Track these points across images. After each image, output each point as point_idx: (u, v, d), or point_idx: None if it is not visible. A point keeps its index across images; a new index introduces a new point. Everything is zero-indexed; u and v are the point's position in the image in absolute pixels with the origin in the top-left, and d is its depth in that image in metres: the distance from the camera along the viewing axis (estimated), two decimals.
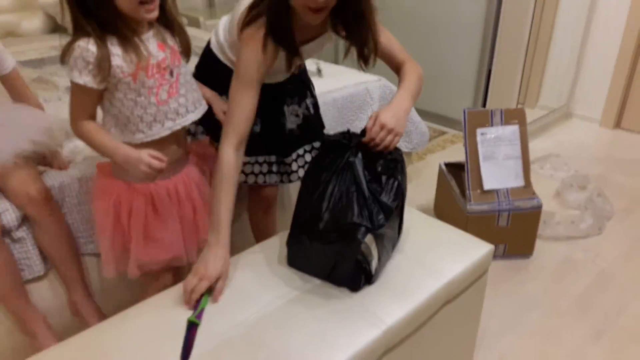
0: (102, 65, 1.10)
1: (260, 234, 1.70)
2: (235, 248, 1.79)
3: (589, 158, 2.91)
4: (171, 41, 1.22)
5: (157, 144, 1.22)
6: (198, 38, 2.87)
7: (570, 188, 2.47)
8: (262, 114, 1.39)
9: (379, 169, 1.17)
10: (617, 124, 3.33)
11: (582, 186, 2.52)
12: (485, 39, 3.01)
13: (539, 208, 1.95)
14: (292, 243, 1.20)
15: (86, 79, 1.10)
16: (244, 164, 1.49)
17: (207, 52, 1.48)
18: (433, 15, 3.17)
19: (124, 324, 1.08)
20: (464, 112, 1.99)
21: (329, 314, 1.10)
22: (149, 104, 1.18)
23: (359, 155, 1.16)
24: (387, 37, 1.33)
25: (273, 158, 1.53)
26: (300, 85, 1.55)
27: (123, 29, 1.11)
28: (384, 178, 1.16)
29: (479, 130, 1.99)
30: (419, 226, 1.39)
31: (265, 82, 1.42)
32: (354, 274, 1.15)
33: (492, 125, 2.00)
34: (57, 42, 2.74)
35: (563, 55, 3.35)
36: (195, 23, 3.46)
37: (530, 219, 1.97)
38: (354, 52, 1.26)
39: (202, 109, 1.30)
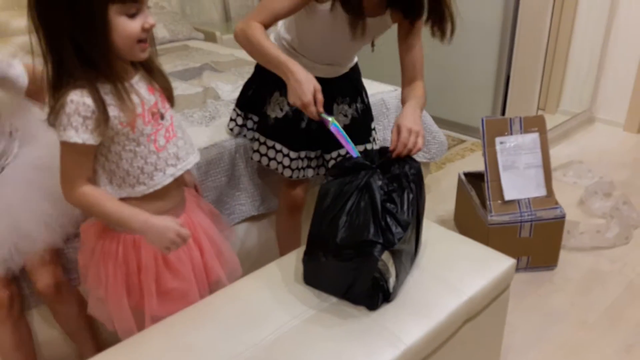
0: (101, 119, 0.99)
1: (284, 239, 1.70)
2: (258, 249, 1.80)
3: (613, 163, 2.83)
4: (156, 85, 1.13)
5: (160, 192, 1.14)
6: (214, 53, 2.90)
7: (595, 195, 2.41)
8: None
9: (393, 185, 1.15)
10: None
11: (607, 193, 2.45)
12: (502, 43, 2.97)
13: (562, 218, 1.90)
14: (308, 260, 1.18)
15: (84, 137, 0.98)
16: (291, 159, 1.53)
17: None
18: None
19: (137, 347, 1.07)
20: (482, 121, 1.96)
21: (347, 333, 1.07)
22: (148, 152, 1.09)
23: (376, 174, 1.14)
24: (419, 48, 1.40)
25: (312, 154, 1.57)
26: (353, 87, 1.58)
27: (115, 74, 1.01)
28: (396, 194, 1.14)
29: (498, 139, 1.95)
30: (438, 240, 1.36)
31: (319, 76, 1.45)
32: (371, 292, 1.13)
33: (511, 134, 1.96)
34: None
35: (584, 58, 3.28)
36: (212, 38, 3.49)
37: (553, 230, 1.92)
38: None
39: (197, 152, 1.23)
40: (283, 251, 1.67)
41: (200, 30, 3.48)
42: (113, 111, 1.01)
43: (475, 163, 2.73)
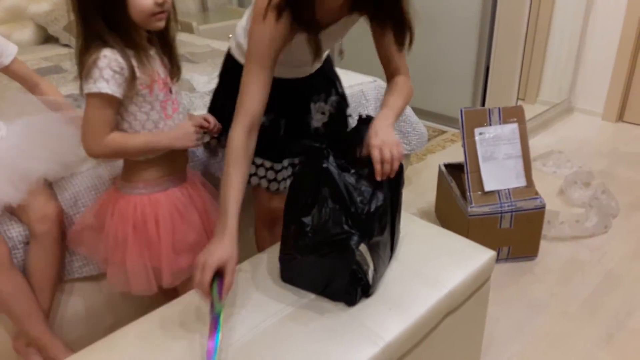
0: (129, 76, 1.10)
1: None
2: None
3: (592, 153, 2.85)
4: (165, 61, 1.24)
5: (161, 158, 1.23)
6: (191, 44, 2.84)
7: (574, 185, 2.41)
8: (286, 113, 1.34)
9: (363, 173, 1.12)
10: (620, 117, 3.27)
11: (586, 183, 2.47)
12: (482, 34, 2.96)
13: (542, 208, 1.90)
14: (284, 258, 1.15)
15: (114, 89, 1.09)
16: (276, 171, 1.46)
17: (228, 59, 1.45)
18: (428, 12, 3.12)
19: (110, 350, 1.03)
20: (461, 112, 1.94)
21: (325, 331, 1.05)
22: (159, 118, 1.20)
23: (331, 159, 1.08)
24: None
25: (296, 160, 1.48)
26: (327, 80, 1.50)
27: (137, 41, 1.12)
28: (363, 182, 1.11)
29: (477, 130, 1.94)
30: (417, 233, 1.34)
31: (291, 77, 1.37)
32: (349, 287, 1.10)
33: (490, 125, 1.94)
34: (48, 52, 2.69)
35: (562, 48, 3.29)
36: (189, 28, 3.42)
37: (533, 220, 1.92)
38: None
39: None
40: None
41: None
42: (137, 72, 1.12)
43: (456, 154, 2.72)
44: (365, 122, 1.21)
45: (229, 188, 1.11)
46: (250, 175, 1.45)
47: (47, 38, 2.94)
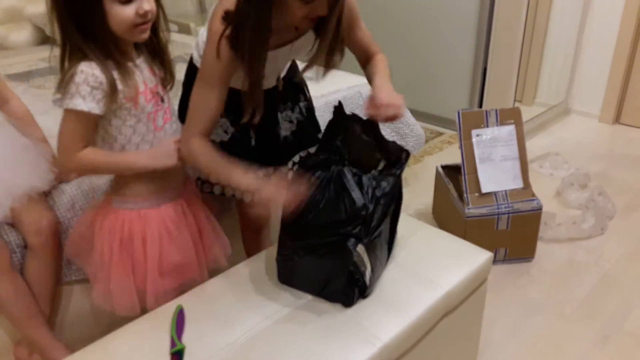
0: (109, 90, 1.05)
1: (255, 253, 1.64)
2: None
3: (589, 155, 2.86)
4: (159, 70, 1.19)
5: (154, 172, 1.17)
6: (189, 45, 2.83)
7: (571, 187, 2.42)
8: (255, 124, 1.33)
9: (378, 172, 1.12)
10: (617, 119, 3.28)
11: (582, 185, 2.47)
12: (479, 36, 2.96)
13: (539, 210, 1.90)
14: (281, 259, 1.15)
15: (91, 105, 1.04)
16: None
17: (191, 69, 1.41)
18: (425, 13, 3.13)
19: (106, 350, 1.03)
20: (458, 114, 1.95)
21: (322, 332, 1.05)
22: (147, 130, 1.15)
23: (347, 167, 1.10)
24: (363, 30, 1.31)
25: (271, 170, 1.47)
26: (293, 89, 1.49)
27: (118, 53, 1.07)
28: (373, 182, 1.11)
29: (474, 132, 1.94)
30: (414, 234, 1.34)
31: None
32: (346, 288, 1.10)
33: (487, 126, 1.95)
34: (46, 53, 2.69)
35: (559, 50, 3.30)
36: (186, 29, 3.42)
37: (530, 221, 1.92)
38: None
39: None
40: None
41: (174, 22, 3.40)
42: (118, 85, 1.07)
43: (454, 155, 2.71)
44: (342, 112, 1.21)
45: (224, 166, 1.14)
46: (212, 185, 1.45)
47: (44, 39, 2.94)
